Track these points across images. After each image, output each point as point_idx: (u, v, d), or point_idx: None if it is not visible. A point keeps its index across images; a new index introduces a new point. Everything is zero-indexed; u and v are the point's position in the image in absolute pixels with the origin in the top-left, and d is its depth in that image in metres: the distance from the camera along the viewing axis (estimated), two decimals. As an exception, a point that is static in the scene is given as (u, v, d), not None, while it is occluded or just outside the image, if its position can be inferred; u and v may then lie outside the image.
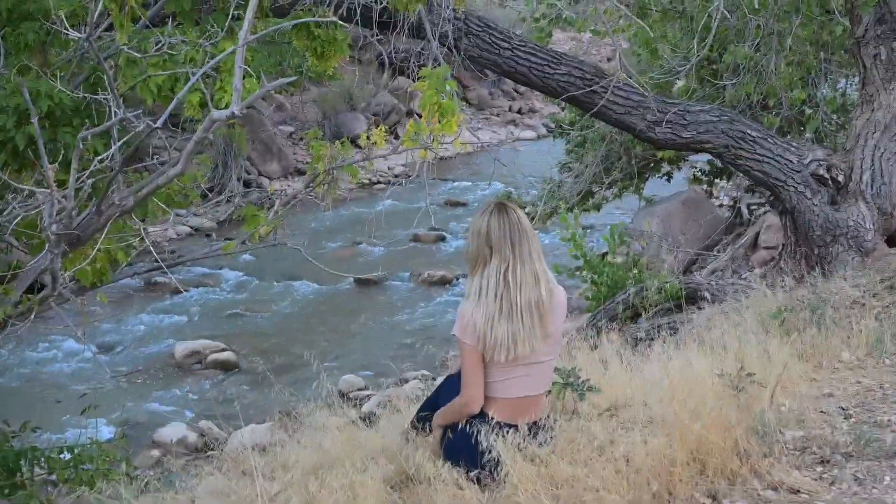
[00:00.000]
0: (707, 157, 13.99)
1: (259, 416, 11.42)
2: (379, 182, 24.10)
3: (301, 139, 25.23)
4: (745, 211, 13.40)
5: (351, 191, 23.13)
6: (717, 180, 14.15)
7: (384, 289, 17.14)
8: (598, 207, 13.62)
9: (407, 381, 12.82)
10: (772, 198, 9.93)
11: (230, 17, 4.25)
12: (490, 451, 3.74)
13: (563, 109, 14.99)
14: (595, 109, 7.29)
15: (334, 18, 3.31)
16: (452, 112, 4.30)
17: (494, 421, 3.92)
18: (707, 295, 7.87)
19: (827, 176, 7.52)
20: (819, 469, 3.48)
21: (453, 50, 6.80)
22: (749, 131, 7.49)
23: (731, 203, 14.12)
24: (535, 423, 4.00)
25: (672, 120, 7.41)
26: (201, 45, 4.21)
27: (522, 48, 7.10)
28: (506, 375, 3.99)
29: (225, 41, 4.01)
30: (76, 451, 5.65)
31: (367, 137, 4.54)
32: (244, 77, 3.95)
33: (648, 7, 12.53)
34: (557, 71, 7.18)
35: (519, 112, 30.36)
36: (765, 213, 12.75)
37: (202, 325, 15.36)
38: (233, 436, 11.31)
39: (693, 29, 11.85)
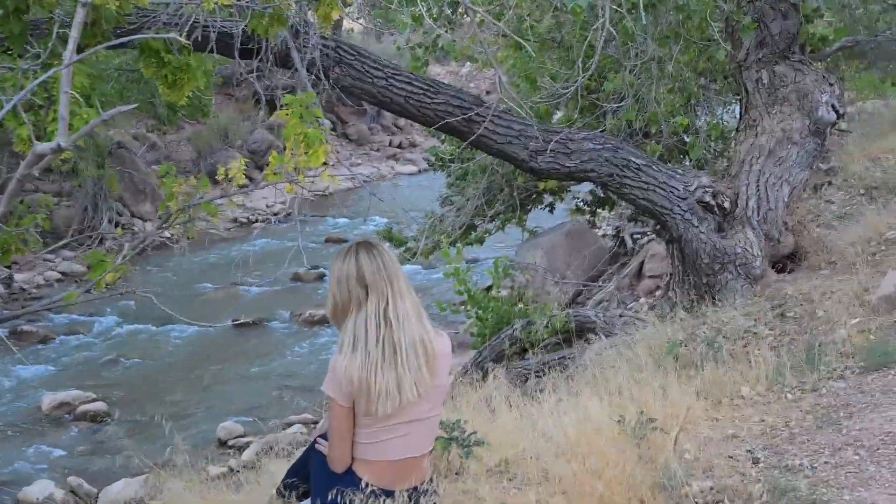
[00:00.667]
0: (589, 186, 13.94)
1: (133, 469, 10.84)
2: (257, 220, 23.60)
3: (175, 178, 24.51)
4: (628, 240, 13.32)
5: (228, 230, 22.61)
6: (599, 210, 14.06)
7: (264, 330, 16.60)
8: (481, 241, 13.36)
9: (291, 424, 12.37)
10: (657, 226, 9.79)
11: (57, 39, 3.79)
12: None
13: (443, 142, 14.77)
14: (474, 138, 6.98)
15: (181, 40, 2.91)
16: (320, 141, 3.91)
17: (369, 489, 3.51)
18: (597, 328, 7.62)
19: (713, 202, 7.35)
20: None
21: (323, 79, 6.42)
22: (633, 159, 7.27)
23: (615, 233, 14.03)
24: (415, 488, 3.61)
25: (555, 149, 7.14)
26: (31, 71, 3.75)
27: (397, 77, 6.76)
28: (385, 434, 3.59)
29: (52, 66, 3.56)
30: None
31: (225, 174, 4.12)
32: (81, 106, 3.53)
33: (526, 37, 12.39)
34: (434, 100, 6.85)
35: (399, 146, 30.15)
36: (648, 241, 12.69)
37: (72, 374, 14.64)
38: (104, 491, 10.70)
39: (572, 58, 11.75)
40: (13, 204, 4.11)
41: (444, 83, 7.03)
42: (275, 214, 23.45)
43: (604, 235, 14.50)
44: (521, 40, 12.75)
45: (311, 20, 6.04)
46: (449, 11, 8.02)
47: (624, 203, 13.20)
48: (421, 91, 6.83)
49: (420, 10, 7.27)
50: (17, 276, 18.76)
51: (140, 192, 22.40)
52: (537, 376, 5.25)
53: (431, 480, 3.57)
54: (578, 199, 13.83)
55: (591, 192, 13.61)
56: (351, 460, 3.62)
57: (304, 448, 3.90)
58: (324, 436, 3.76)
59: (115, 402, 13.47)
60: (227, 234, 22.18)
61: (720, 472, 3.47)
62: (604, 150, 7.25)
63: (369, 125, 30.36)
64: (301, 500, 3.74)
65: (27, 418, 13.11)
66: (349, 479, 3.60)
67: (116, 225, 21.22)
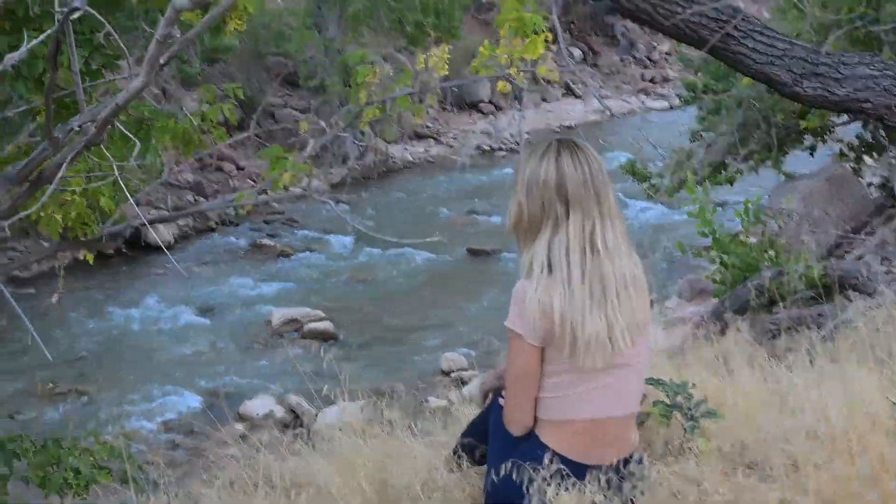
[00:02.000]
0: (856, 129, 12.69)
1: (353, 393, 10.67)
2: (500, 149, 23.15)
3: (420, 101, 24.38)
4: (898, 190, 12.03)
5: (471, 157, 22.32)
6: (866, 156, 12.79)
7: (499, 261, 16.17)
8: (731, 181, 12.41)
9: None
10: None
11: None
12: None
13: (697, 72, 13.81)
14: (731, 56, 6.13)
15: None
16: (538, 29, 3.26)
17: (555, 464, 2.72)
18: (861, 284, 6.68)
19: None
20: None
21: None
22: (919, 91, 6.23)
23: (882, 182, 12.73)
24: (619, 463, 2.81)
25: (824, 73, 6.20)
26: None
27: (646, -19, 5.97)
28: (580, 385, 2.81)
29: None
30: (63, 444, 4.52)
31: (425, 61, 3.49)
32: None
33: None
34: (687, 9, 6.03)
35: (651, 81, 29.02)
36: (922, 192, 11.45)
37: (304, 291, 14.70)
38: (321, 413, 10.57)
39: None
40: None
41: (698, -7, 6.20)
42: (517, 143, 22.98)
43: (869, 185, 13.19)
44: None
45: None
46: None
47: (895, 149, 12.01)
48: None
49: None
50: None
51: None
52: (788, 334, 4.47)
53: (640, 459, 2.77)
54: (843, 142, 12.62)
55: (857, 135, 12.40)
56: (534, 421, 2.88)
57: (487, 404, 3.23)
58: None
59: (342, 322, 13.41)
60: (469, 161, 21.92)
61: None
62: (882, 76, 6.24)
63: (622, 56, 29.35)
64: (477, 465, 3.10)
65: (257, 332, 13.24)
66: (529, 448, 2.85)
67: (360, 150, 21.24)
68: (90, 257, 3.83)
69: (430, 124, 23.96)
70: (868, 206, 12.15)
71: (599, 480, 2.61)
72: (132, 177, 3.70)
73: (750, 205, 8.65)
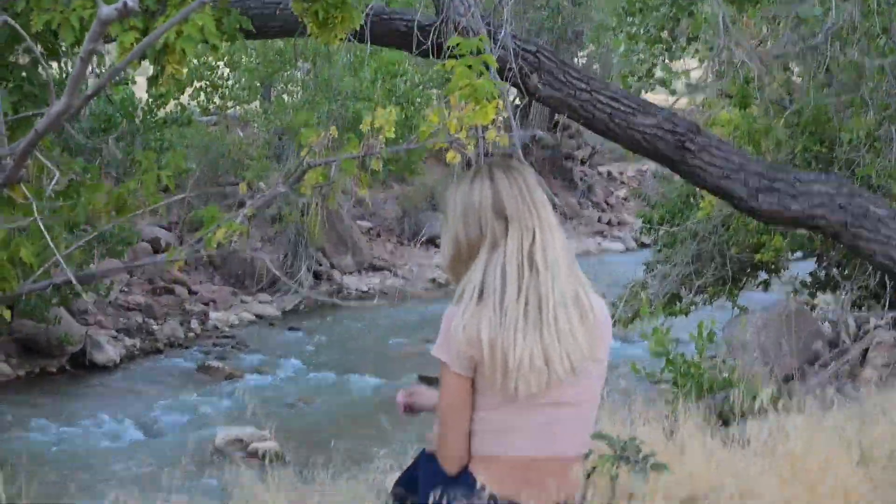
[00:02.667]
0: (809, 266, 12.81)
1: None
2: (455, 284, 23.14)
3: (379, 235, 24.50)
4: (851, 325, 12.06)
5: (426, 289, 22.34)
6: (820, 293, 12.91)
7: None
8: (686, 312, 12.41)
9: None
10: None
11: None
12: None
13: (653, 208, 13.94)
14: (687, 169, 6.17)
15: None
16: (490, 95, 3.20)
17: (488, 495, 2.59)
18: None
19: (967, 267, 6.26)
20: None
21: (521, 88, 5.76)
22: (873, 208, 6.28)
23: (836, 318, 12.80)
24: None
25: (780, 189, 6.25)
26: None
27: (603, 91, 6.04)
28: (518, 420, 2.64)
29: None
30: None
31: (371, 124, 3.39)
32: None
33: (753, 97, 11.52)
34: (644, 121, 6.08)
35: (608, 223, 29.34)
36: (875, 328, 11.47)
37: (251, 413, 14.35)
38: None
39: (802, 123, 10.81)
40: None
41: (655, 104, 6.27)
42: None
43: (823, 320, 13.24)
44: (741, 106, 11.89)
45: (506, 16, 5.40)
46: (666, 34, 7.27)
47: (848, 285, 12.11)
48: (629, 110, 6.09)
49: (636, 30, 6.55)
50: (213, 315, 18.92)
51: (342, 243, 22.40)
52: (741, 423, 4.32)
53: (584, 498, 2.63)
54: (797, 279, 12.74)
55: (811, 273, 12.53)
56: (467, 457, 2.70)
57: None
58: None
59: (289, 444, 13.10)
60: (424, 294, 21.91)
61: None
62: (837, 194, 6.30)
63: (579, 199, 29.73)
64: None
65: (199, 451, 12.88)
66: (460, 483, 2.67)
67: (315, 275, 21.22)
68: (7, 313, 3.63)
69: (386, 257, 24.06)
70: (821, 341, 12.16)
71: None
72: (58, 226, 3.52)
73: (704, 326, 8.61)
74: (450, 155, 3.32)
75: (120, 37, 2.89)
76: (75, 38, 2.88)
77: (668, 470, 2.67)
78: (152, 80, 3.03)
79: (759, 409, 6.53)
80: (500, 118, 3.29)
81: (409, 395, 3.17)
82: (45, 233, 2.65)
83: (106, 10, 2.01)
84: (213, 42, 2.84)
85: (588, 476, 2.73)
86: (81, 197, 3.42)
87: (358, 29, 3.58)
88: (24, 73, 3.24)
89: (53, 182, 2.94)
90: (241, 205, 3.60)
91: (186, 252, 3.60)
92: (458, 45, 3.28)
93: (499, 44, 5.35)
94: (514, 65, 5.64)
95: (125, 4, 1.94)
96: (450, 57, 3.37)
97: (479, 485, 2.64)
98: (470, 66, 3.25)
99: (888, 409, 3.56)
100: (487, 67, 3.37)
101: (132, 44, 2.82)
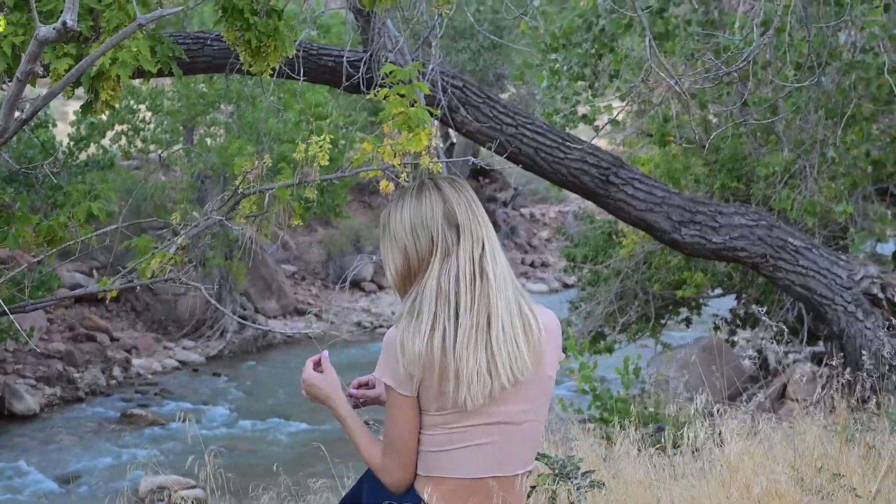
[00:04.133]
0: (729, 303, 13.04)
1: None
2: (381, 326, 23.10)
3: (303, 279, 24.36)
4: (771, 360, 12.28)
5: (351, 332, 22.23)
6: (739, 329, 13.15)
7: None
8: (610, 350, 12.52)
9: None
10: (817, 321, 8.84)
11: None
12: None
13: (576, 246, 14.06)
14: (610, 203, 6.26)
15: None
16: (422, 122, 3.24)
17: None
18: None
19: (882, 296, 6.43)
20: None
21: (448, 121, 5.82)
22: (791, 240, 6.44)
23: (756, 353, 13.03)
24: None
25: (701, 222, 6.38)
26: None
27: (529, 126, 6.13)
28: (462, 440, 2.64)
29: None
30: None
31: (305, 150, 3.38)
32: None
33: (670, 136, 11.75)
34: (569, 156, 6.18)
35: (531, 265, 29.53)
36: (794, 362, 11.68)
37: (175, 460, 14.13)
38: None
39: (720, 161, 11.05)
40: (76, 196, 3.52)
41: (579, 138, 6.37)
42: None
43: (744, 357, 13.47)
44: (660, 144, 12.12)
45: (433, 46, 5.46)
46: (589, 72, 7.40)
47: (766, 320, 12.34)
48: (554, 144, 6.18)
49: (559, 66, 6.66)
50: (135, 362, 18.63)
51: (267, 288, 22.23)
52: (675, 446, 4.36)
53: None
54: (717, 316, 12.98)
55: (731, 310, 12.76)
56: (413, 477, 2.70)
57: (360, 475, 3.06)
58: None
59: (215, 491, 12.92)
60: (349, 337, 21.80)
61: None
62: (757, 227, 6.45)
63: (503, 241, 29.89)
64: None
65: (123, 501, 12.63)
66: (406, 498, 2.70)
67: (241, 318, 20.98)
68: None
69: (311, 301, 23.93)
70: (742, 376, 12.36)
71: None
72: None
73: (630, 361, 8.70)
74: (383, 184, 3.33)
75: (54, 63, 2.88)
76: (7, 65, 2.84)
77: (606, 487, 2.70)
78: (86, 107, 3.02)
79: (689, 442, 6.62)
80: (433, 146, 3.32)
81: (358, 387, 3.14)
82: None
83: (44, 30, 2.00)
84: (147, 68, 2.85)
85: (528, 495, 2.75)
86: (12, 227, 3.37)
87: (291, 56, 3.58)
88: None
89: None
90: (176, 233, 3.56)
91: (120, 282, 3.55)
92: (391, 73, 3.32)
93: (427, 78, 5.38)
94: (441, 99, 5.69)
95: (64, 24, 1.93)
96: (380, 87, 3.40)
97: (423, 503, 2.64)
98: (402, 95, 3.29)
99: (815, 424, 3.65)
100: (420, 95, 3.41)
101: (65, 70, 2.81)
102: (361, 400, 3.12)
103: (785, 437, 3.60)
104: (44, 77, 2.81)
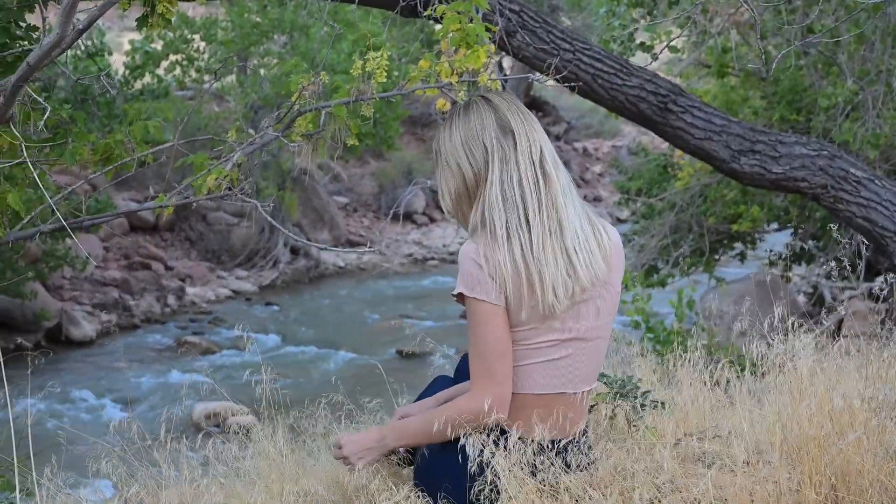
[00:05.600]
0: (785, 238, 12.87)
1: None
2: (433, 258, 23.14)
3: (355, 210, 24.40)
4: (827, 295, 12.14)
5: (402, 265, 22.28)
6: (795, 265, 12.97)
7: (429, 363, 15.95)
8: (663, 283, 12.41)
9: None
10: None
11: None
12: (484, 469, 2.41)
13: (630, 179, 13.93)
14: (669, 130, 6.14)
15: None
16: (480, 39, 3.18)
17: (494, 418, 2.51)
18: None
19: (945, 230, 6.28)
20: None
21: (506, 45, 5.72)
22: (853, 171, 6.28)
23: (811, 289, 12.87)
24: (560, 440, 2.60)
25: (761, 151, 6.24)
26: None
27: (587, 52, 6.01)
28: (533, 356, 2.58)
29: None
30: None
31: (362, 68, 3.31)
32: None
33: (729, 67, 11.55)
34: (627, 82, 6.06)
35: (584, 199, 29.35)
36: (850, 298, 11.54)
37: (228, 387, 14.23)
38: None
39: (779, 93, 10.84)
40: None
41: (638, 66, 6.24)
42: (451, 253, 23.00)
43: (798, 292, 13.32)
44: (718, 75, 11.91)
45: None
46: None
47: (824, 255, 12.17)
48: (612, 71, 6.06)
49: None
50: (189, 290, 18.82)
51: (319, 219, 22.30)
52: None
53: (585, 431, 2.60)
54: (772, 251, 12.81)
55: (787, 244, 12.59)
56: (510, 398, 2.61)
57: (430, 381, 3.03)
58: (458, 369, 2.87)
59: (265, 416, 13.09)
60: (401, 269, 21.87)
61: None
62: (819, 157, 6.30)
63: (555, 175, 29.76)
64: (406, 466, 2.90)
65: (177, 425, 12.83)
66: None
67: (292, 250, 21.12)
68: None
69: (363, 233, 23.98)
70: (797, 311, 12.23)
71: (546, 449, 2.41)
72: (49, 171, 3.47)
73: (683, 293, 8.63)
74: (440, 102, 3.28)
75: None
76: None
77: (668, 411, 2.68)
78: (141, 21, 2.99)
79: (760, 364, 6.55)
80: (492, 63, 3.26)
81: (403, 415, 3.04)
82: (36, 176, 2.60)
83: (42, 45, 1.96)
84: (203, -19, 2.83)
85: (589, 411, 2.73)
86: (69, 144, 3.37)
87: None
88: (10, 16, 3.18)
89: (42, 122, 2.89)
90: (231, 151, 3.54)
91: (176, 198, 3.55)
92: (445, -8, 3.26)
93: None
94: (499, 21, 5.59)
95: (58, 34, 1.89)
96: (439, 3, 3.33)
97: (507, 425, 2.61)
98: (460, 12, 3.23)
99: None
100: (477, 11, 3.34)
101: (121, -19, 2.79)
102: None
103: (851, 361, 3.55)
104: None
